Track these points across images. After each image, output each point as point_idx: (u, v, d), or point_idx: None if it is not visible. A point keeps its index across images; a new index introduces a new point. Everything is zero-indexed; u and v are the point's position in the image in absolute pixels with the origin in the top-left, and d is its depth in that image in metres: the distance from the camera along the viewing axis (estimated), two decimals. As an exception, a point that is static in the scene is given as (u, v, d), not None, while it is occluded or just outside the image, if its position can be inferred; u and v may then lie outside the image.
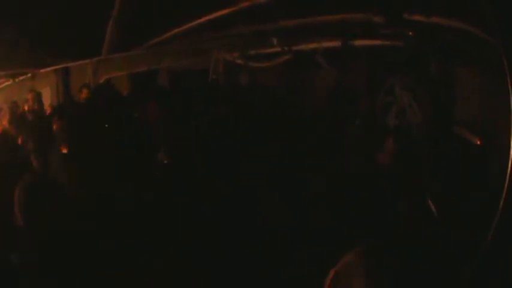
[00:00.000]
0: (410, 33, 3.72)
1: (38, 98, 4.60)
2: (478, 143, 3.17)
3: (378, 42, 4.20)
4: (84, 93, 4.63)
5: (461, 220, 2.48)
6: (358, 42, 4.42)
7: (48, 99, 4.81)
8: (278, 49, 5.10)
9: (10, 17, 3.63)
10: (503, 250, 1.53)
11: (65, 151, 3.92)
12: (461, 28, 2.82)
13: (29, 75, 4.60)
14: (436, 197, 2.86)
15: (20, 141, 4.17)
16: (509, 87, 1.68)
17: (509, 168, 1.54)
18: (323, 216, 3.22)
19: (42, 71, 4.70)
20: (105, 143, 4.24)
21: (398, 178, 3.38)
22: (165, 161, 4.04)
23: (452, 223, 2.51)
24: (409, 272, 1.44)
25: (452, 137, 3.58)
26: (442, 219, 2.54)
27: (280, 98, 5.19)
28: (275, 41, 5.07)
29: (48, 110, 4.70)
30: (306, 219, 3.27)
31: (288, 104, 5.10)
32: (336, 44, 4.64)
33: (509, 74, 1.67)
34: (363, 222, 2.91)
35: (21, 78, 4.59)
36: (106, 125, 4.43)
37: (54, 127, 4.16)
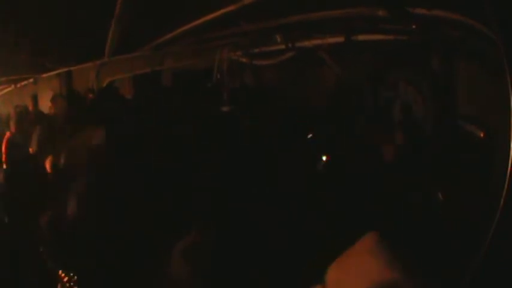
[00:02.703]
0: (413, 26, 3.69)
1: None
2: (482, 135, 3.14)
3: (381, 36, 4.16)
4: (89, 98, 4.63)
5: (464, 216, 2.46)
6: (362, 37, 4.38)
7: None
8: (282, 46, 5.08)
9: (10, 22, 3.64)
10: (503, 250, 1.51)
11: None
12: (462, 21, 2.79)
13: (31, 80, 4.59)
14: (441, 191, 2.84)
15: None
16: (509, 83, 1.65)
17: (509, 168, 1.52)
18: (330, 209, 3.21)
19: (44, 75, 4.70)
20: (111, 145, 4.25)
21: (406, 171, 3.37)
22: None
23: (454, 219, 2.49)
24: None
25: (456, 130, 3.56)
26: (446, 215, 2.53)
27: (284, 95, 5.18)
28: (279, 38, 5.05)
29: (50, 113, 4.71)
30: (313, 213, 3.25)
31: (292, 101, 5.09)
32: (339, 39, 4.61)
33: (508, 70, 1.65)
34: (370, 216, 2.89)
35: (23, 83, 4.58)
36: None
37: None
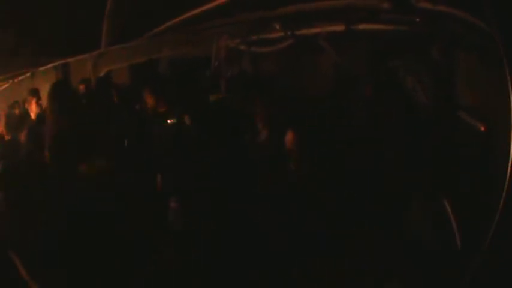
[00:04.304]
0: (417, 19, 3.66)
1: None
2: (482, 128, 3.13)
3: (382, 26, 4.13)
4: (82, 88, 4.61)
5: (464, 215, 2.46)
6: (362, 27, 4.34)
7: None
8: (281, 34, 5.04)
9: (9, 21, 3.61)
10: (503, 250, 1.51)
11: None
12: (462, 17, 2.77)
13: (28, 74, 4.56)
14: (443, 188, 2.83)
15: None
16: (508, 79, 1.64)
17: (509, 168, 1.52)
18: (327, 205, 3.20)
19: (41, 68, 4.66)
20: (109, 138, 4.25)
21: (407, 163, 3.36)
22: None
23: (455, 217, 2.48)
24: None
25: (456, 122, 3.55)
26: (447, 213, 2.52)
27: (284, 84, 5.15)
28: (278, 25, 5.01)
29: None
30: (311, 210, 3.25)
31: (291, 89, 5.07)
32: (339, 28, 4.57)
33: (507, 67, 1.64)
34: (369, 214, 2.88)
35: (20, 78, 4.55)
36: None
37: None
